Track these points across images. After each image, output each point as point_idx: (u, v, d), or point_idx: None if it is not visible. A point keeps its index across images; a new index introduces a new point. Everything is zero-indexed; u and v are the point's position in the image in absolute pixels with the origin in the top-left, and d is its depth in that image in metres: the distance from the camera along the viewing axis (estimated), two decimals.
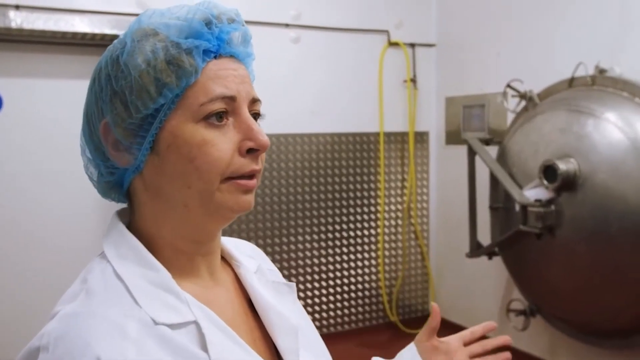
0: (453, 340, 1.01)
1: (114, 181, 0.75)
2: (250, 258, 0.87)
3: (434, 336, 1.01)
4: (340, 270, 3.87)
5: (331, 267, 3.84)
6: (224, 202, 0.69)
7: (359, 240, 3.92)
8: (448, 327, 4.10)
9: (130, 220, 0.76)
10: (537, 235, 2.70)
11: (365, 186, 3.93)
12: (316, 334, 0.88)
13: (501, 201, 3.10)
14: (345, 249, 3.88)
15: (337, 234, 3.85)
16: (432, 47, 4.07)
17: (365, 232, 3.94)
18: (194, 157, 0.67)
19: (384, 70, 3.90)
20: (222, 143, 0.68)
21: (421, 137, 4.09)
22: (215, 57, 0.70)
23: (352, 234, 3.90)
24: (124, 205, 0.79)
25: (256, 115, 0.75)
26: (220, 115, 0.69)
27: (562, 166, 2.57)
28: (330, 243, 3.83)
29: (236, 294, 0.81)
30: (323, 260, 3.81)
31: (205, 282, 0.76)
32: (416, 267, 4.13)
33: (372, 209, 3.95)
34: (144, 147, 0.69)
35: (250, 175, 0.71)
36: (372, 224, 3.96)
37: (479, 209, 3.34)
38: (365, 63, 3.87)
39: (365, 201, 3.93)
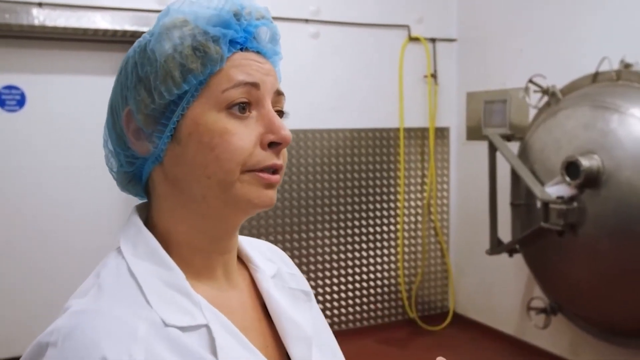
0: None
1: (133, 173, 0.74)
2: (268, 261, 0.85)
3: None
4: (360, 267, 3.86)
5: (350, 263, 3.83)
6: (244, 193, 0.68)
7: (378, 237, 3.91)
8: (467, 325, 4.08)
9: (148, 215, 0.75)
10: (558, 233, 2.67)
11: (385, 182, 3.91)
12: (335, 344, 0.85)
13: (522, 198, 3.07)
14: (364, 245, 3.87)
15: (357, 230, 3.84)
16: (453, 42, 4.04)
17: (385, 229, 3.93)
18: (215, 145, 0.66)
19: (404, 65, 3.87)
20: (243, 133, 0.67)
21: (442, 133, 4.06)
22: (241, 50, 0.70)
23: (371, 230, 3.89)
24: (144, 200, 0.78)
25: (280, 113, 0.74)
26: (243, 107, 0.68)
27: (585, 162, 2.54)
28: (349, 239, 3.82)
29: (251, 298, 0.79)
30: (342, 256, 3.81)
31: (219, 285, 0.75)
32: (436, 263, 4.11)
33: (392, 205, 3.94)
34: (165, 135, 0.68)
35: (273, 171, 0.70)
36: (392, 220, 3.95)
37: (500, 206, 3.31)
38: (385, 58, 3.84)
39: (385, 197, 3.92)
